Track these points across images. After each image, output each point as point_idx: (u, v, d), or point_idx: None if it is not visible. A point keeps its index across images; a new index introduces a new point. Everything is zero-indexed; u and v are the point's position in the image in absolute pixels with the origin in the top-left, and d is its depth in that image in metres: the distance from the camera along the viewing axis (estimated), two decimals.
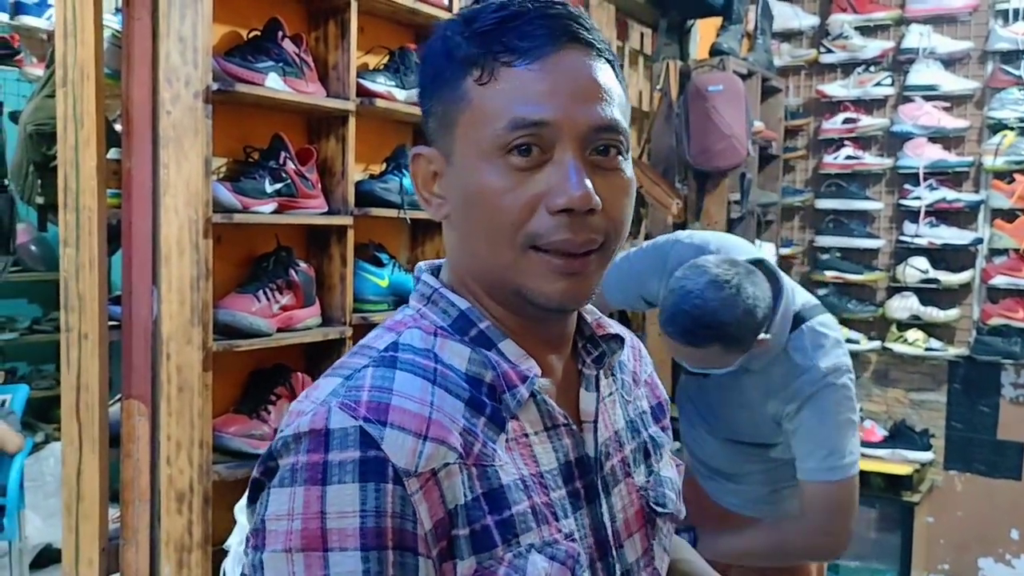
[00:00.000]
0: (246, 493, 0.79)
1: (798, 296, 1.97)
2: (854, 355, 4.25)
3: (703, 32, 3.99)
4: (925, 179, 4.13)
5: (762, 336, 1.81)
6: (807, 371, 1.86)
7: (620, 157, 0.80)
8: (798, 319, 1.91)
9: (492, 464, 0.77)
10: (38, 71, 3.96)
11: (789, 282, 1.96)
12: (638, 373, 1.03)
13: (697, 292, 1.74)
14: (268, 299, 2.09)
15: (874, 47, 4.29)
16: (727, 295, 1.73)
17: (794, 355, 1.89)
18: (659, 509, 0.92)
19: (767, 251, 4.09)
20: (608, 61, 0.81)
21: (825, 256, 4.42)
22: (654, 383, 1.05)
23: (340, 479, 0.70)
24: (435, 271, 0.89)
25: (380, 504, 0.70)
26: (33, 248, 4.35)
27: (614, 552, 0.85)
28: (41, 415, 4.35)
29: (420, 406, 0.75)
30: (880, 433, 4.05)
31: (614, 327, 0.93)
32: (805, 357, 1.88)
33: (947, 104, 4.17)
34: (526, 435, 0.81)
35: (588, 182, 0.76)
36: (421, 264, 0.91)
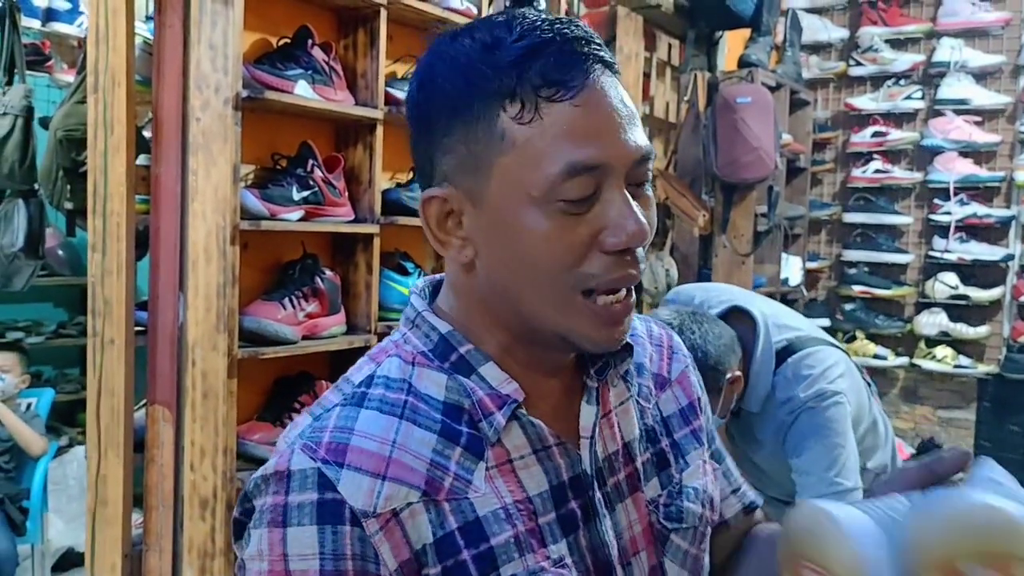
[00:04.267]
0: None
1: (787, 331, 1.98)
2: (881, 371, 4.23)
3: (731, 44, 3.97)
4: (955, 194, 4.09)
5: (734, 373, 1.84)
6: (787, 402, 1.89)
7: (648, 185, 0.79)
8: (787, 353, 1.93)
9: (466, 497, 0.75)
10: (68, 77, 4.00)
11: (775, 319, 1.99)
12: (666, 374, 0.96)
13: None
14: (294, 306, 2.08)
15: (904, 60, 4.26)
16: None
17: (777, 390, 1.91)
18: (669, 524, 0.87)
19: (793, 265, 4.05)
20: (618, 73, 0.79)
21: (853, 270, 4.37)
22: (687, 381, 0.97)
23: (299, 521, 0.70)
24: (434, 287, 0.87)
25: (338, 547, 0.70)
26: (60, 252, 4.38)
27: (619, 571, 0.82)
28: (65, 419, 4.37)
29: (380, 445, 0.74)
30: (907, 451, 3.99)
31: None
32: (786, 389, 1.90)
33: (978, 118, 4.12)
34: (510, 461, 0.78)
35: (642, 215, 0.74)
36: (419, 281, 0.88)
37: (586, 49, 0.73)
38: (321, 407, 0.79)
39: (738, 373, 1.86)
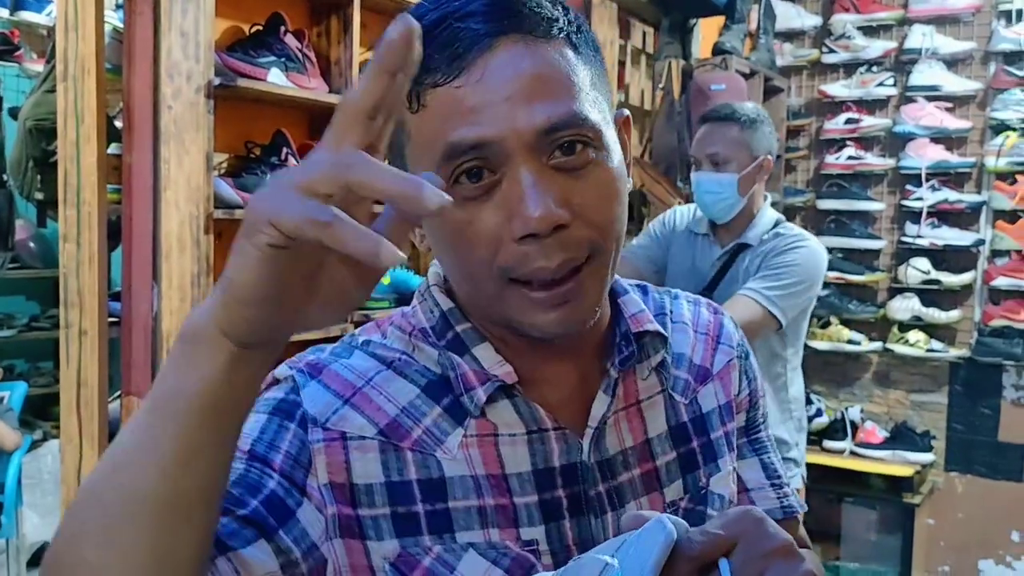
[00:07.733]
0: None
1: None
2: (855, 356, 4.28)
3: (705, 31, 3.98)
4: (927, 180, 4.12)
5: (766, 157, 2.28)
6: (781, 235, 2.29)
7: (591, 150, 0.68)
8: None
9: (433, 454, 0.74)
10: (38, 67, 3.95)
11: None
12: (708, 365, 0.89)
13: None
14: None
15: (877, 47, 4.29)
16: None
17: (772, 235, 2.33)
18: None
19: None
20: (565, 37, 0.69)
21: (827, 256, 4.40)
22: (728, 377, 0.90)
23: (258, 408, 0.74)
24: None
25: (277, 438, 0.72)
26: (31, 244, 4.34)
27: None
28: (39, 412, 4.33)
29: (356, 377, 0.76)
30: (881, 434, 4.04)
31: (655, 323, 0.82)
32: (783, 232, 2.32)
33: (949, 105, 4.16)
34: (495, 435, 0.75)
35: (548, 197, 0.65)
36: None
37: (486, 23, 0.67)
38: (319, 349, 0.82)
39: (770, 158, 2.28)
